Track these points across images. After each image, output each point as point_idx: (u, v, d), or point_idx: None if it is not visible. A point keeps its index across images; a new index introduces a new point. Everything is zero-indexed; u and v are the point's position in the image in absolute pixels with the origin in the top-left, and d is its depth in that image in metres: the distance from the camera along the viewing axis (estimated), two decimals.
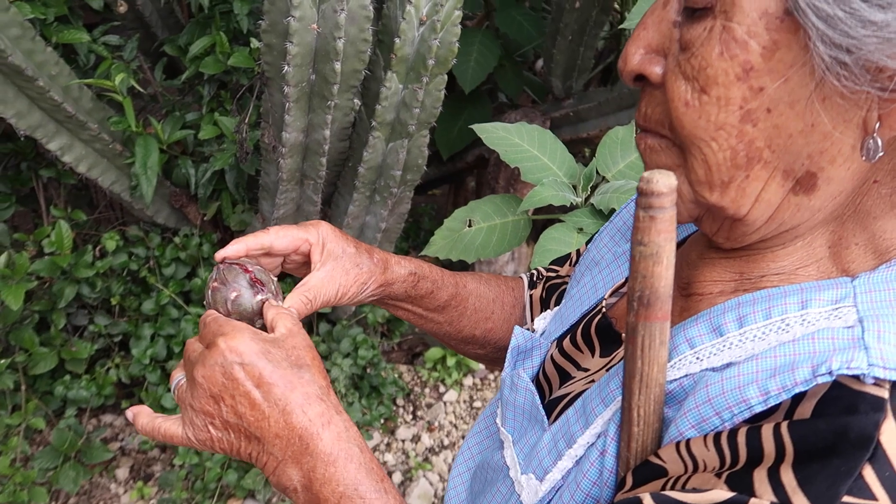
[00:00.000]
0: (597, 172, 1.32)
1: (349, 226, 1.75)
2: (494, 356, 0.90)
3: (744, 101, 0.43)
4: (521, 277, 0.90)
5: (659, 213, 0.42)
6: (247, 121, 1.59)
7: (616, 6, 2.31)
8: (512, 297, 0.88)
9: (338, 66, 1.34)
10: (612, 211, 1.24)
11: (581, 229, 1.25)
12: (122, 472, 1.99)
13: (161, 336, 1.95)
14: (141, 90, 1.85)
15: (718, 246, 0.53)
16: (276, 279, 0.71)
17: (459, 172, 2.66)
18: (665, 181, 0.41)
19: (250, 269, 0.68)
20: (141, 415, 0.64)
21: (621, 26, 1.35)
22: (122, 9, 1.86)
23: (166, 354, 1.95)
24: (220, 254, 0.70)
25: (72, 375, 1.93)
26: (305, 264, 0.75)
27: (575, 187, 1.31)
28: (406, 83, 1.43)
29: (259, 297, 0.66)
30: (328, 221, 1.91)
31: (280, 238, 0.71)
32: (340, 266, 0.72)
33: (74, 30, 1.71)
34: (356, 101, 1.51)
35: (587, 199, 1.30)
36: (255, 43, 1.69)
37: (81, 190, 2.10)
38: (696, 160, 0.46)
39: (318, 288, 0.71)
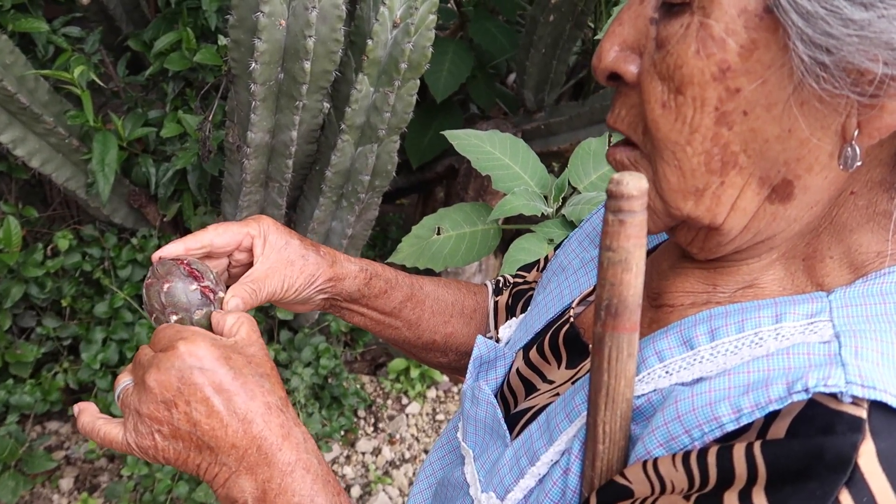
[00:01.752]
0: (569, 183, 1.30)
1: (315, 231, 1.70)
2: (458, 364, 0.87)
3: (720, 103, 0.41)
4: (484, 284, 0.88)
5: (629, 216, 0.39)
6: (211, 119, 1.54)
7: (590, 22, 2.32)
8: (473, 301, 0.85)
9: (307, 65, 1.30)
10: None
11: (552, 240, 1.23)
12: (67, 483, 1.90)
13: (113, 340, 1.87)
14: (102, 85, 1.79)
15: (692, 257, 0.51)
16: (215, 271, 0.68)
17: (428, 182, 2.64)
18: (636, 184, 0.39)
19: (185, 261, 0.65)
20: (85, 412, 0.61)
21: (595, 37, 1.34)
22: (86, 1, 1.79)
23: (118, 359, 1.87)
24: (157, 254, 0.67)
25: (15, 379, 1.84)
26: (251, 265, 0.72)
27: (546, 198, 1.29)
28: (377, 86, 1.40)
29: (194, 286, 0.63)
30: (293, 226, 1.87)
31: (220, 234, 0.69)
32: (285, 257, 0.70)
33: (33, 19, 1.65)
34: (325, 103, 1.47)
35: (558, 209, 1.28)
36: (222, 40, 1.64)
37: (34, 186, 2.02)
38: (669, 166, 0.44)
39: (262, 279, 0.68)
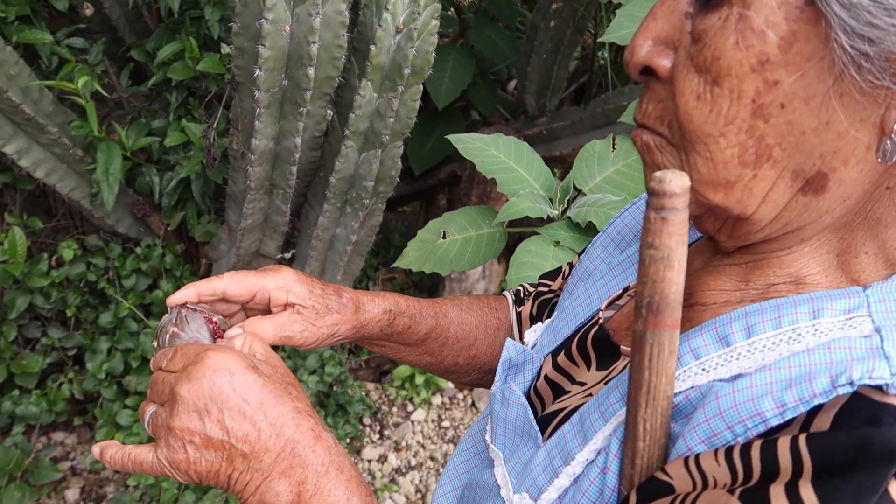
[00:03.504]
0: (573, 186, 1.30)
1: (319, 238, 1.71)
2: (480, 381, 0.86)
3: (757, 95, 0.41)
4: (504, 296, 0.87)
5: (671, 214, 0.39)
6: (215, 126, 1.54)
7: (590, 27, 2.33)
8: (496, 318, 0.85)
9: (311, 71, 1.31)
10: (589, 224, 1.22)
11: (557, 242, 1.23)
12: (73, 494, 1.90)
13: (118, 350, 1.87)
14: (106, 95, 1.80)
15: (720, 246, 0.51)
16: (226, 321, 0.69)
17: (431, 189, 2.64)
18: (678, 181, 0.39)
19: (214, 319, 0.66)
20: (109, 447, 0.60)
21: (600, 39, 1.35)
22: (89, 11, 1.80)
23: (123, 369, 1.87)
24: (173, 299, 0.67)
25: (21, 390, 1.84)
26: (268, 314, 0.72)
27: (551, 200, 1.29)
28: (381, 92, 1.41)
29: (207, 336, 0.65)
30: (297, 234, 1.87)
31: (234, 284, 0.68)
32: (308, 307, 0.70)
33: (37, 30, 1.65)
34: (329, 110, 1.48)
35: (564, 212, 1.28)
36: (225, 49, 1.65)
37: (39, 197, 2.02)
38: (701, 158, 0.44)
39: (282, 319, 0.68)
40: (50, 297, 1.80)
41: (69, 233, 2.00)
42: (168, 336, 0.64)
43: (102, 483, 1.94)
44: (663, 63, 0.46)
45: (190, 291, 0.67)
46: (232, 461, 0.54)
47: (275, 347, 0.68)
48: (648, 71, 0.47)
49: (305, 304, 0.69)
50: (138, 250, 1.91)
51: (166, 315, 0.66)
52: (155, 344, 0.65)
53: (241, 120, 1.45)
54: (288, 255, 1.87)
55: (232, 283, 0.68)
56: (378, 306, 0.74)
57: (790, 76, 0.40)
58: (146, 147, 1.83)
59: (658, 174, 0.39)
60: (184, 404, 0.54)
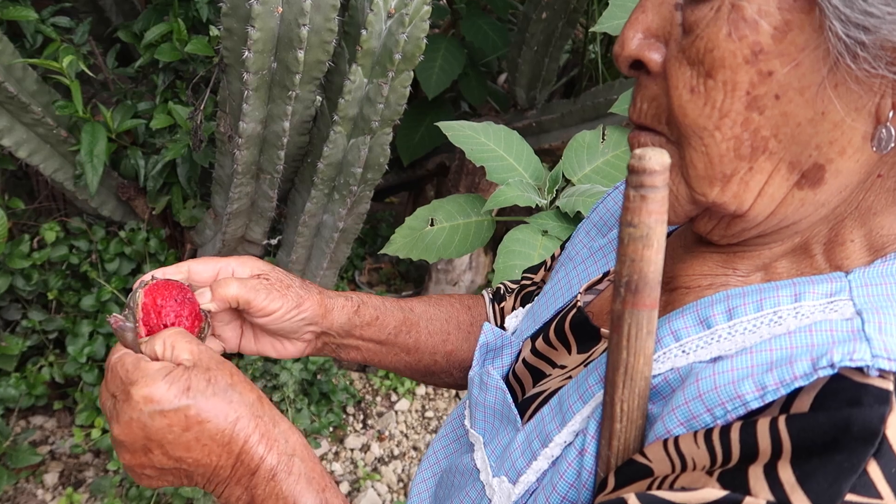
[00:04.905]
0: (563, 176, 1.30)
1: (306, 224, 1.69)
2: (465, 381, 0.86)
3: (751, 87, 0.41)
4: (480, 295, 0.86)
5: (651, 192, 0.39)
6: (202, 108, 1.53)
7: (582, 20, 2.33)
8: (469, 315, 0.84)
9: (301, 54, 1.30)
10: (578, 214, 1.22)
11: (546, 232, 1.23)
12: (51, 478, 1.88)
13: (100, 334, 1.85)
14: (91, 76, 1.77)
15: (712, 242, 0.51)
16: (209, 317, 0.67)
17: (419, 180, 2.63)
18: (658, 158, 0.39)
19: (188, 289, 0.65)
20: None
21: (592, 29, 1.34)
22: None
23: (105, 353, 1.85)
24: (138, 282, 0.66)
25: (0, 373, 1.81)
26: (235, 311, 0.70)
27: (540, 190, 1.29)
28: (371, 77, 1.40)
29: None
30: (284, 220, 1.85)
31: (198, 263, 0.69)
32: (274, 280, 0.69)
33: (21, 7, 1.62)
34: (318, 95, 1.47)
35: (552, 201, 1.28)
36: (214, 31, 1.63)
37: (21, 179, 1.99)
38: (696, 152, 0.44)
39: (250, 286, 0.67)
40: (31, 279, 1.78)
41: (52, 215, 1.98)
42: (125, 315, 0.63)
43: (82, 468, 1.92)
44: (654, 57, 0.45)
45: (155, 273, 0.67)
46: (192, 478, 0.57)
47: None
48: (638, 65, 0.46)
49: (269, 276, 0.69)
50: (122, 234, 1.89)
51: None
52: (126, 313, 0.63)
53: (228, 102, 1.44)
54: (274, 242, 1.86)
55: (196, 262, 0.69)
56: (340, 296, 0.75)
57: (784, 67, 0.40)
58: (132, 129, 1.81)
59: (638, 151, 0.39)
60: (123, 446, 0.55)
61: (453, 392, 2.37)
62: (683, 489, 0.39)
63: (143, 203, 1.90)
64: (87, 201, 1.81)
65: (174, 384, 0.54)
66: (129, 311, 0.62)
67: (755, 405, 0.38)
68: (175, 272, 0.67)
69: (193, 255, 1.97)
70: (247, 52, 1.28)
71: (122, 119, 1.74)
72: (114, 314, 0.61)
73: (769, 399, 0.38)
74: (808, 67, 0.40)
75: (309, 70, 1.36)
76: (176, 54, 1.68)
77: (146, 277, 0.64)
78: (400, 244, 1.32)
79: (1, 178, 1.86)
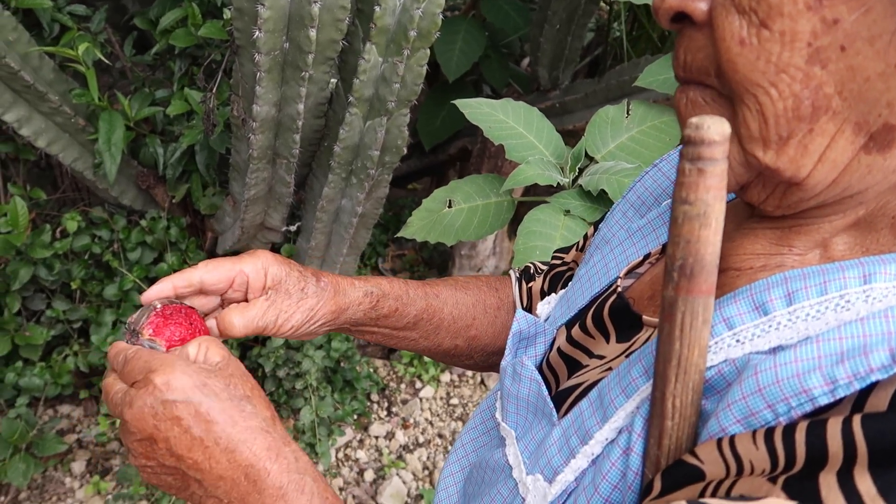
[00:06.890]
0: (585, 153, 1.25)
1: (324, 209, 1.67)
2: (485, 363, 0.82)
3: (813, 37, 0.36)
4: (507, 276, 0.82)
5: (709, 165, 0.34)
6: (214, 91, 1.51)
7: None
8: (496, 298, 0.80)
9: (313, 33, 1.26)
10: (601, 193, 1.17)
11: (568, 211, 1.18)
12: (78, 466, 1.89)
13: (123, 323, 1.85)
14: (109, 64, 1.76)
15: (766, 214, 0.45)
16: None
17: (441, 165, 2.60)
18: (717, 128, 0.34)
19: (193, 310, 0.64)
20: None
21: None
22: None
23: None
24: (146, 296, 0.64)
25: (25, 362, 1.83)
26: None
27: (562, 168, 1.25)
28: (386, 56, 1.36)
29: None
30: (302, 206, 1.83)
31: (210, 272, 0.65)
32: (282, 290, 0.67)
33: None
34: (333, 77, 1.43)
35: (575, 180, 1.24)
36: (228, 14, 1.61)
37: (44, 170, 2.00)
38: (750, 111, 0.39)
39: (254, 311, 0.65)
40: (53, 268, 1.78)
41: (75, 205, 1.98)
42: (126, 339, 0.61)
43: (108, 456, 1.94)
44: (699, 6, 0.40)
45: (165, 286, 0.64)
46: (188, 485, 0.53)
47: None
48: (681, 17, 0.41)
49: (281, 288, 0.67)
50: (143, 223, 1.89)
51: (135, 314, 0.63)
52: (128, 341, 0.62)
53: (241, 85, 1.41)
54: (293, 228, 1.84)
55: (208, 271, 0.65)
56: (359, 289, 0.71)
57: (852, 13, 0.35)
58: (150, 117, 1.80)
59: (694, 120, 0.34)
60: (130, 432, 0.53)
61: (478, 379, 2.34)
62: (742, 498, 0.34)
63: (163, 191, 1.89)
64: (107, 190, 1.80)
65: (192, 378, 0.53)
66: (132, 336, 0.61)
67: (824, 401, 0.34)
68: (185, 283, 0.65)
69: (214, 243, 1.95)
70: (257, 32, 1.25)
71: (140, 107, 1.73)
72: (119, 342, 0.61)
73: (840, 394, 0.33)
74: (880, 13, 0.35)
75: (322, 50, 1.33)
76: (191, 39, 1.66)
77: (152, 302, 0.63)
78: (418, 226, 1.28)
79: (23, 168, 1.87)
